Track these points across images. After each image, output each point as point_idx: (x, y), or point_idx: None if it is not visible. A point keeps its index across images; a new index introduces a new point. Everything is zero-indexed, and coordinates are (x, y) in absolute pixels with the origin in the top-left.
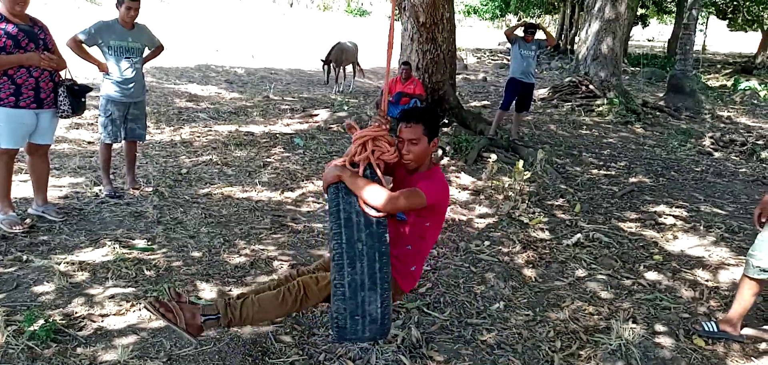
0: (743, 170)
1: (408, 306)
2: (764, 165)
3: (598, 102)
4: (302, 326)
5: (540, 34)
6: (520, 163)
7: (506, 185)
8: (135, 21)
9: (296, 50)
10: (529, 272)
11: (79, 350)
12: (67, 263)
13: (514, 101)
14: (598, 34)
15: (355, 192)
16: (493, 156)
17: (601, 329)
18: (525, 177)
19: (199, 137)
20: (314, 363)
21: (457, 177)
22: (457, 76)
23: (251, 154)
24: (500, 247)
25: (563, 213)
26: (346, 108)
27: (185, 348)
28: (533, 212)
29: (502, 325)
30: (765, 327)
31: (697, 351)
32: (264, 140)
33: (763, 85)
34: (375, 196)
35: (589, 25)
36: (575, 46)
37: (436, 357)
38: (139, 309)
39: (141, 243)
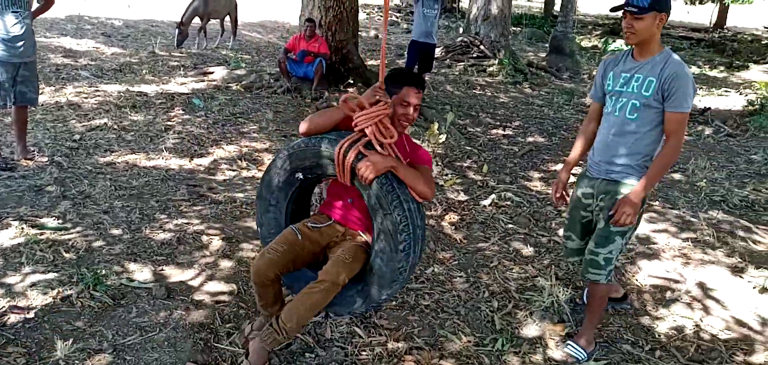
0: None
1: None
2: None
3: (490, 62)
4: (248, 305)
5: None
6: (435, 126)
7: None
8: None
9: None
10: (455, 234)
11: (9, 348)
12: None
13: (416, 63)
14: None
15: (408, 181)
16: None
17: (530, 287)
18: (440, 140)
19: (86, 98)
20: None
21: None
22: None
23: (149, 117)
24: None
25: (474, 174)
26: (242, 65)
27: (130, 336)
28: (447, 175)
29: (440, 288)
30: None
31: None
32: (160, 101)
33: (629, 47)
34: (426, 184)
35: None
36: (459, 5)
37: (386, 325)
38: (67, 297)
39: (51, 222)
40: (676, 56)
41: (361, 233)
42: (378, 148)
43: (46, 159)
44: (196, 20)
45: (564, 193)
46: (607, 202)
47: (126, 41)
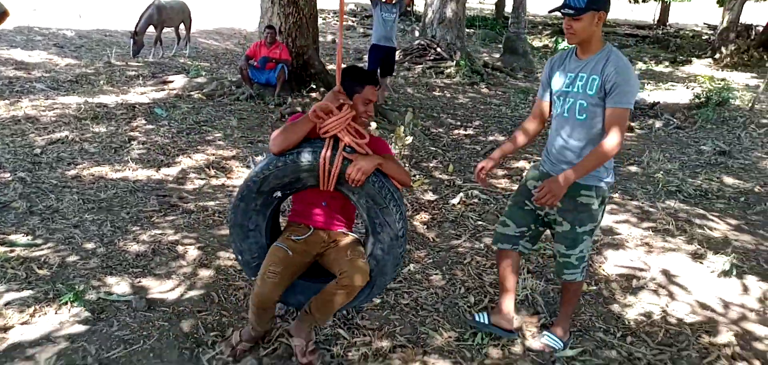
0: None
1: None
2: None
3: (447, 64)
4: (230, 313)
5: None
6: (402, 128)
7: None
8: None
9: (129, 8)
10: (427, 233)
11: None
12: None
13: (378, 67)
14: None
15: (392, 173)
16: (372, 124)
17: None
18: (407, 141)
19: (44, 111)
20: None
21: None
22: None
23: (111, 128)
24: None
25: (440, 174)
26: (202, 73)
27: (114, 350)
28: (414, 175)
29: (418, 287)
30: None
31: (586, 294)
32: (121, 112)
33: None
34: (404, 172)
35: None
36: (414, 8)
37: (368, 325)
38: (46, 314)
39: (21, 238)
40: (617, 52)
41: (345, 231)
42: (357, 149)
43: (8, 175)
44: (151, 29)
45: (485, 177)
46: (567, 204)
47: (80, 52)
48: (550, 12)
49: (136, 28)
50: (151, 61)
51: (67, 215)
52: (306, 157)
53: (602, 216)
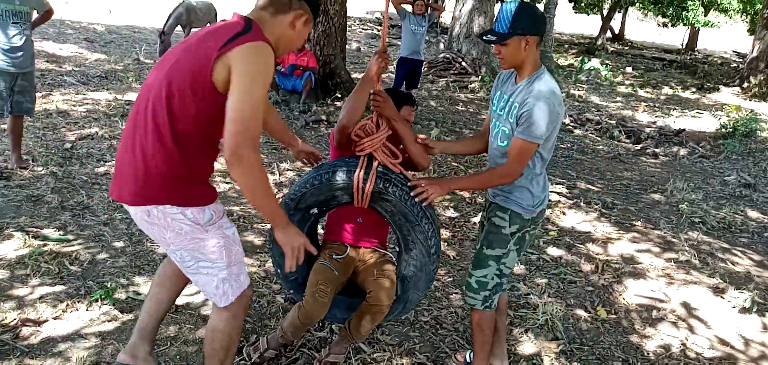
0: (600, 147)
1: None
2: (617, 143)
3: (471, 79)
4: (253, 320)
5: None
6: None
7: None
8: None
9: (158, 5)
10: (448, 251)
11: (25, 361)
12: None
13: (405, 79)
14: (470, 13)
15: (410, 149)
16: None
17: (523, 304)
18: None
19: (74, 106)
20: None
21: None
22: None
23: None
24: None
25: (461, 190)
26: None
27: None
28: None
29: (438, 305)
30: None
31: (605, 322)
32: None
33: (604, 66)
34: (425, 157)
35: (463, 3)
36: (439, 21)
37: (388, 341)
38: (77, 310)
39: (53, 233)
40: (544, 79)
41: (378, 248)
42: (391, 168)
43: (40, 168)
44: (179, 29)
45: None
46: (486, 224)
47: (109, 47)
48: (477, 36)
49: (164, 27)
50: None
51: (97, 212)
52: (340, 176)
53: (519, 249)
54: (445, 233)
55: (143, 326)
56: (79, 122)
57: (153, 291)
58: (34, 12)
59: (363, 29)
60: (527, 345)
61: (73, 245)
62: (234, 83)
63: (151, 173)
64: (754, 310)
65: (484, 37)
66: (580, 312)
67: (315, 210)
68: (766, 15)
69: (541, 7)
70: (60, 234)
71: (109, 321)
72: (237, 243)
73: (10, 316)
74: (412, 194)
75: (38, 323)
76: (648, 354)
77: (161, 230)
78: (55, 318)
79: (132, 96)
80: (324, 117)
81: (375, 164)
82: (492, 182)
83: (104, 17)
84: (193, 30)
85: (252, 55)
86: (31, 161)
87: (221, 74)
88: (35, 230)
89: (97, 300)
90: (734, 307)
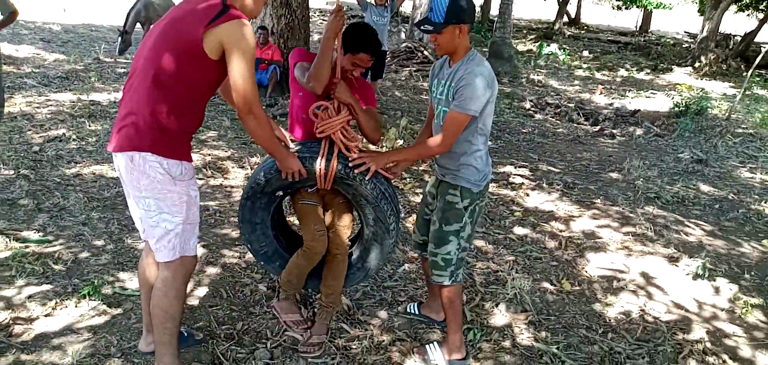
0: (560, 130)
1: None
2: (576, 125)
3: None
4: (238, 308)
5: None
6: (392, 131)
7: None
8: None
9: (112, 3)
10: None
11: (22, 357)
12: None
13: (369, 71)
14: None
15: (362, 124)
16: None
17: (493, 281)
18: (398, 144)
19: (38, 108)
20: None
21: None
22: None
23: (107, 126)
24: None
25: (429, 177)
26: None
27: (134, 341)
28: (405, 178)
29: (413, 286)
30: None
31: (570, 294)
32: (114, 111)
33: (562, 50)
34: (376, 130)
35: None
36: (399, 9)
37: (371, 321)
38: (66, 307)
39: (33, 235)
40: (476, 59)
41: None
42: (345, 153)
43: (11, 171)
44: (138, 27)
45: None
46: (438, 202)
47: (66, 47)
48: (416, 25)
49: (125, 26)
50: None
51: (74, 212)
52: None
53: (473, 221)
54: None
55: (148, 321)
56: (44, 124)
57: (143, 287)
58: None
59: (324, 20)
60: (498, 318)
61: (55, 246)
62: (231, 60)
63: (140, 126)
64: (706, 276)
65: (422, 27)
66: (546, 285)
67: (280, 193)
68: None
69: None
70: (40, 236)
71: (98, 315)
72: (196, 206)
73: (1, 316)
74: (351, 166)
75: (30, 320)
76: (609, 320)
77: (139, 175)
78: (45, 316)
79: (96, 96)
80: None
81: (335, 150)
82: (427, 152)
83: (59, 16)
84: (147, 26)
85: (239, 33)
86: (0, 165)
87: (212, 46)
88: (14, 232)
89: (84, 297)
90: (688, 274)
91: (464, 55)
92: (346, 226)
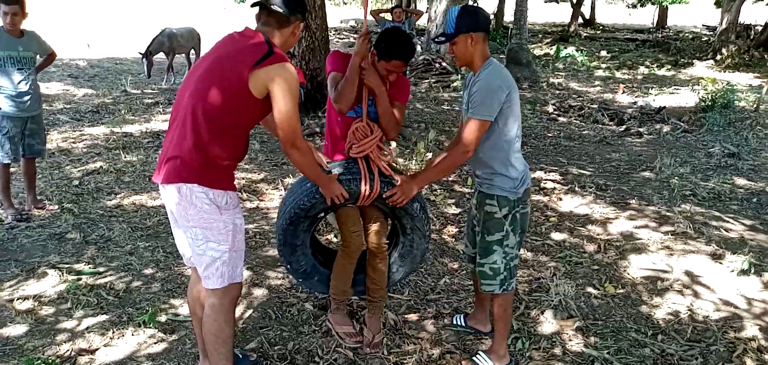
0: (586, 132)
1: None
2: (601, 126)
3: (453, 78)
4: (288, 329)
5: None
6: (421, 144)
7: (409, 167)
8: (22, 28)
9: (135, 34)
10: (457, 245)
11: None
12: (18, 298)
13: None
14: (445, 13)
15: (384, 113)
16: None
17: (536, 288)
18: (427, 157)
19: (74, 143)
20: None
21: None
22: None
23: (141, 157)
24: None
25: (460, 187)
26: None
27: (192, 364)
28: (436, 190)
29: (456, 297)
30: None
31: (614, 297)
32: (147, 141)
33: (579, 52)
34: (395, 128)
35: (439, 4)
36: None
37: (418, 335)
38: (123, 336)
39: (85, 267)
40: (493, 67)
41: None
42: (384, 171)
43: (55, 207)
44: (161, 56)
45: None
46: (479, 214)
47: (94, 81)
48: (432, 40)
49: (147, 49)
50: (165, 88)
51: (120, 243)
52: (347, 187)
53: (515, 228)
54: (451, 229)
55: (203, 347)
56: (81, 158)
57: (194, 314)
58: (37, 56)
59: (340, 38)
60: (546, 325)
61: (106, 277)
62: (277, 100)
63: (186, 158)
64: (752, 272)
65: (436, 39)
66: (590, 290)
67: (322, 214)
68: None
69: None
70: (91, 268)
71: (156, 343)
72: (241, 234)
73: (64, 348)
74: (386, 198)
75: (92, 351)
76: (658, 322)
77: (186, 206)
78: (105, 346)
79: (128, 128)
80: (318, 129)
81: (375, 170)
82: (453, 164)
83: (84, 52)
84: (176, 56)
85: (284, 75)
86: (46, 201)
87: (257, 86)
88: (67, 265)
89: (140, 325)
90: (733, 271)
91: (481, 63)
92: (381, 225)
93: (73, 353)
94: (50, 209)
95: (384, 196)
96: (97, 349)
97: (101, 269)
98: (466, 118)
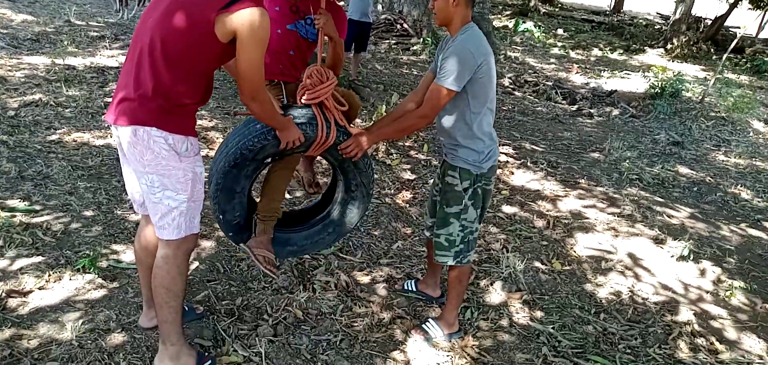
0: (539, 108)
1: (324, 253)
2: (554, 104)
3: (413, 41)
4: (237, 284)
5: None
6: (382, 107)
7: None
8: None
9: None
10: (410, 210)
11: (20, 331)
12: None
13: (353, 42)
14: None
15: (334, 53)
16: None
17: (486, 259)
18: None
19: (11, 71)
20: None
21: None
22: None
23: (84, 92)
24: (379, 189)
25: (416, 153)
26: None
27: (133, 316)
28: (392, 154)
29: (409, 263)
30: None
31: (561, 273)
32: (91, 76)
33: (537, 28)
34: (340, 64)
35: None
36: None
37: (370, 298)
38: (60, 280)
39: (19, 204)
40: (469, 33)
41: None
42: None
43: None
44: None
45: None
46: (441, 184)
47: (34, 7)
48: None
49: None
50: (113, 22)
51: (59, 181)
52: (304, 131)
53: (476, 202)
54: (405, 194)
55: (148, 296)
56: (19, 88)
57: (142, 263)
58: None
59: None
60: (494, 296)
61: (43, 216)
62: (241, 48)
63: (144, 99)
64: (691, 258)
65: None
66: (538, 265)
67: (269, 160)
68: None
69: None
70: (26, 205)
71: (95, 289)
72: (201, 183)
73: None
74: (340, 151)
75: (24, 293)
76: (601, 301)
77: (142, 150)
78: (40, 288)
79: (71, 61)
80: None
81: (332, 119)
82: (410, 127)
83: None
84: None
85: (253, 21)
86: None
87: (224, 30)
88: (0, 201)
89: (80, 270)
90: (673, 256)
91: (459, 28)
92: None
93: (3, 294)
94: None
95: (338, 147)
96: (30, 291)
97: (37, 208)
98: (433, 82)
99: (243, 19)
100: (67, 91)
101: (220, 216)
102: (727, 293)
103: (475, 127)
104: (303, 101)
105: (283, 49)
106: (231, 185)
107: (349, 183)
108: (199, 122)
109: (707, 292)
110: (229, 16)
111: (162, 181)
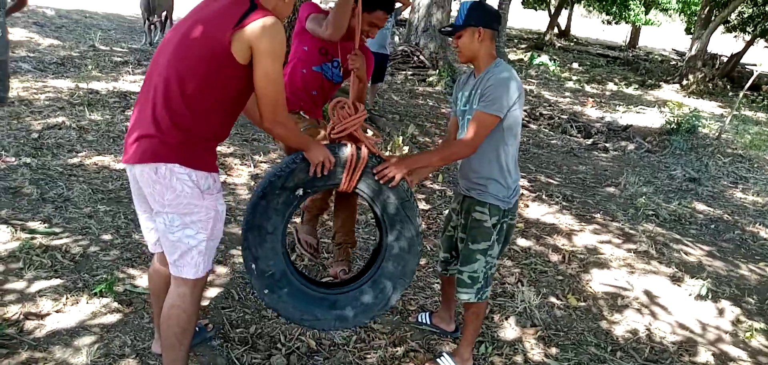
0: (554, 141)
1: None
2: (569, 137)
3: (429, 73)
4: (251, 311)
5: None
6: (399, 139)
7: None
8: None
9: None
10: (425, 242)
11: (35, 354)
12: None
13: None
14: (428, 7)
15: (359, 85)
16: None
17: (501, 293)
18: (405, 151)
19: (36, 94)
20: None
21: None
22: None
23: (107, 116)
24: None
25: (430, 183)
26: None
27: (148, 341)
28: None
29: (423, 294)
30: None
31: (576, 309)
32: (114, 101)
33: (552, 61)
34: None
35: None
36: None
37: (381, 329)
38: (77, 303)
39: (39, 226)
40: (502, 66)
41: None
42: (371, 148)
43: (13, 159)
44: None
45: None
46: (466, 220)
47: (61, 32)
48: (438, 31)
49: (147, 16)
50: (136, 49)
51: (79, 204)
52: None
53: (500, 239)
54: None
55: (159, 326)
56: (43, 111)
57: (155, 297)
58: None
59: None
60: (509, 331)
61: (62, 238)
62: (257, 64)
63: (164, 135)
64: (709, 297)
65: (442, 30)
66: (553, 300)
67: (300, 191)
68: (703, 16)
69: (494, 2)
70: (46, 227)
71: (110, 313)
72: (222, 222)
73: (12, 310)
74: (375, 175)
75: (41, 316)
76: (617, 339)
77: (163, 189)
78: (56, 312)
79: (94, 85)
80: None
81: (364, 147)
82: (452, 155)
83: (52, 1)
84: (155, 16)
85: (269, 35)
86: (2, 152)
87: (240, 49)
88: (21, 223)
89: (96, 294)
90: (690, 295)
91: (488, 63)
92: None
93: (21, 316)
94: (7, 160)
95: (373, 170)
96: (47, 314)
97: (57, 230)
98: (476, 110)
99: (256, 28)
100: (89, 115)
101: (252, 265)
102: (747, 334)
103: (507, 160)
104: (333, 134)
105: (305, 88)
106: (261, 221)
107: (393, 223)
108: (217, 148)
109: (726, 333)
110: (243, 31)
111: (183, 220)
